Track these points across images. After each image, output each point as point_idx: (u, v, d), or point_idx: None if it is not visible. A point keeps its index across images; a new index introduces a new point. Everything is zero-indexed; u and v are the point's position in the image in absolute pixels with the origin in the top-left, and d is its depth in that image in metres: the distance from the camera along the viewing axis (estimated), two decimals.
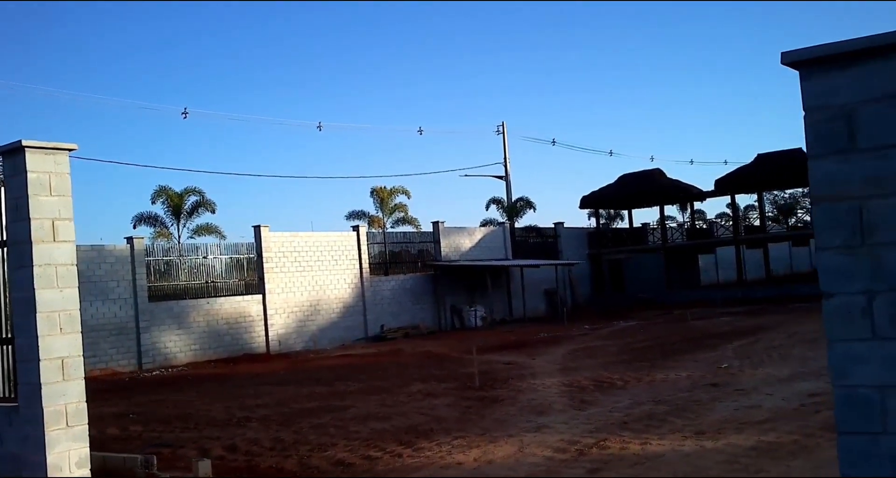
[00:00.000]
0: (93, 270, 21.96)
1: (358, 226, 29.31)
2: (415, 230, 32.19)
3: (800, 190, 73.19)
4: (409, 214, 32.28)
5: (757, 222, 46.57)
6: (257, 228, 25.84)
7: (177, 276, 24.06)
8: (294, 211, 76.13)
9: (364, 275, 28.93)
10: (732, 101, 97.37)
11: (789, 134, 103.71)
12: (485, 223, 37.82)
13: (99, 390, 18.12)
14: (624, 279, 40.95)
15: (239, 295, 25.23)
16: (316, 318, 27.17)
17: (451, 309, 31.97)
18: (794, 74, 2.79)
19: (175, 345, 23.51)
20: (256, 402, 13.89)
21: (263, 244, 25.80)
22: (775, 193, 48.76)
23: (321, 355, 24.14)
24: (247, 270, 25.69)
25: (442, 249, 32.24)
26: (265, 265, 25.75)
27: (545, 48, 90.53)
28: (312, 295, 27.13)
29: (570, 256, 38.12)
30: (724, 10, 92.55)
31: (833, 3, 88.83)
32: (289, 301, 26.36)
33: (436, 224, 32.27)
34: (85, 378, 18.41)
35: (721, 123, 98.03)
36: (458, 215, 66.63)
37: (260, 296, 25.58)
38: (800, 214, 51.02)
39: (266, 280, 25.70)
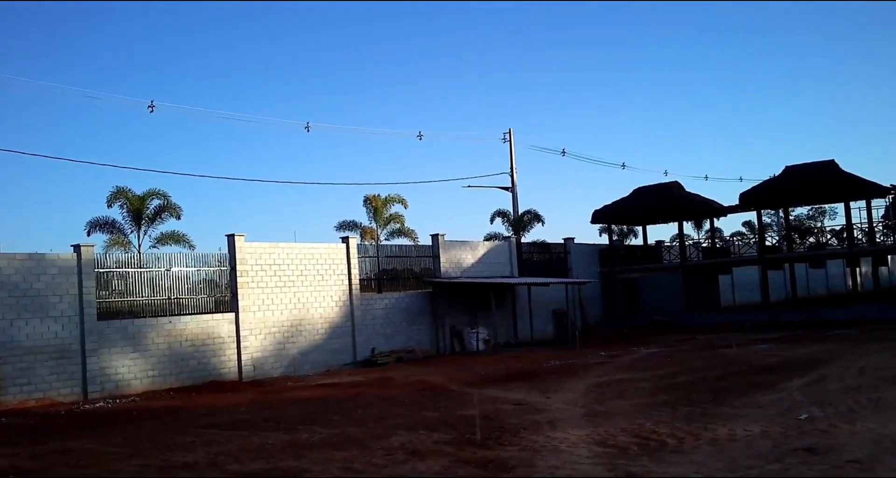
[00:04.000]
0: (30, 282, 18.38)
1: (347, 237, 25.72)
2: (412, 243, 28.58)
3: (807, 208, 69.63)
4: (406, 225, 28.67)
5: (771, 242, 42.77)
6: (231, 238, 22.28)
7: (134, 290, 20.44)
8: (275, 220, 71.06)
9: (353, 292, 25.33)
10: (749, 115, 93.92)
11: (812, 149, 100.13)
12: (489, 237, 34.20)
13: (12, 427, 14.51)
14: (639, 300, 37.30)
15: (207, 313, 21.62)
16: (297, 339, 23.54)
17: (451, 331, 28.35)
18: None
19: (129, 371, 19.86)
20: (185, 458, 10.24)
21: (238, 256, 22.22)
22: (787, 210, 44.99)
23: (299, 384, 20.53)
24: (218, 284, 22.14)
25: (441, 265, 28.65)
26: (239, 279, 22.16)
27: (556, 54, 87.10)
28: (294, 314, 23.53)
29: (580, 274, 34.49)
30: (739, 23, 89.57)
31: (849, 4, 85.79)
32: (266, 320, 22.75)
33: (435, 237, 28.70)
34: (14, 410, 14.65)
35: (737, 138, 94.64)
36: (460, 229, 62.71)
37: (232, 314, 21.97)
38: (825, 238, 47.19)
39: (240, 296, 22.11)
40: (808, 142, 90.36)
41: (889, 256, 49.09)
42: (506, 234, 34.66)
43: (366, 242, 27.25)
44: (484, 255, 30.72)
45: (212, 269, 22.07)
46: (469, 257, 29.94)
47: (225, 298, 22.05)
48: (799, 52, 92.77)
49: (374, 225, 28.06)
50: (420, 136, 35.77)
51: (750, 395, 13.07)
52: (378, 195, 28.21)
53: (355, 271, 25.48)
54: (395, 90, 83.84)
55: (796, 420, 10.53)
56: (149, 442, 11.88)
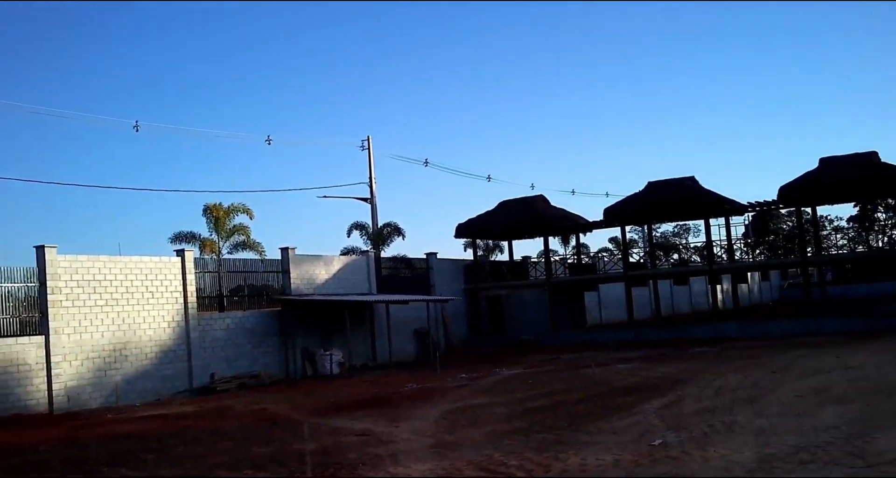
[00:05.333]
0: None
1: (183, 250, 24.27)
2: (258, 258, 27.38)
3: (673, 225, 72.57)
4: (252, 238, 27.42)
5: (637, 258, 44.20)
6: (40, 249, 20.44)
7: None
8: (96, 231, 66.55)
9: (190, 311, 23.88)
10: (616, 129, 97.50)
11: (677, 165, 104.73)
12: (346, 252, 33.45)
13: None
14: (504, 318, 37.44)
15: (10, 336, 19.67)
16: (122, 365, 21.87)
17: (303, 353, 27.30)
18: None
19: None
20: None
21: (49, 270, 20.39)
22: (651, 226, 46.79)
23: (121, 416, 18.94)
24: (23, 303, 20.22)
25: (292, 281, 27.59)
26: (50, 297, 20.32)
27: (420, 59, 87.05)
28: (118, 336, 21.85)
29: (443, 291, 34.25)
30: (604, 36, 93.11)
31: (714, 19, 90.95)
32: (84, 344, 20.98)
33: (285, 251, 27.63)
34: None
35: (604, 153, 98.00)
36: (315, 242, 60.94)
37: (41, 337, 20.09)
38: (688, 255, 49.40)
39: (51, 317, 20.26)
40: (674, 157, 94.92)
41: (749, 274, 52.00)
42: (364, 248, 34.01)
43: (205, 256, 25.84)
44: (339, 270, 29.89)
45: (16, 285, 20.11)
46: (323, 273, 29.03)
47: (32, 318, 20.17)
48: (661, 67, 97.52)
49: (215, 237, 26.66)
50: (269, 140, 34.63)
51: (606, 419, 12.92)
52: (220, 204, 26.87)
53: (192, 288, 24.06)
54: (240, 89, 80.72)
55: (650, 446, 10.36)
56: None
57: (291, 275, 27.56)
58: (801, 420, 11.75)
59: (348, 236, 34.84)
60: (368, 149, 35.44)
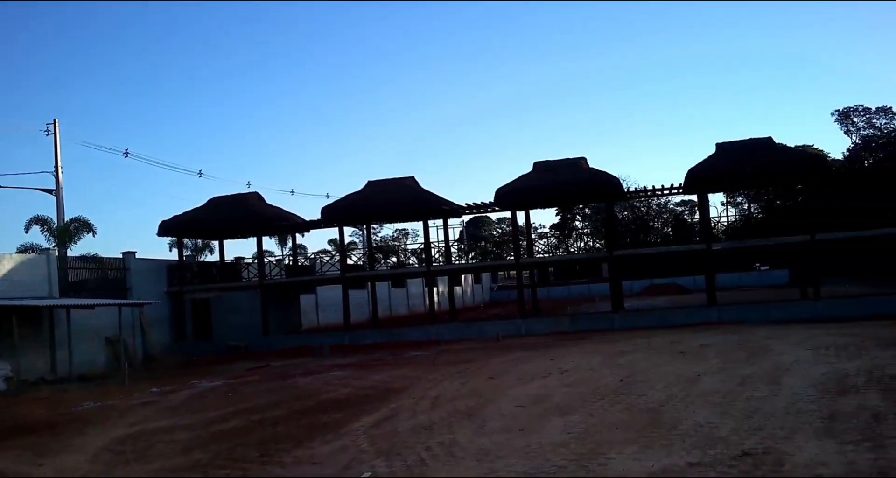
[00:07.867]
0: None
1: None
2: None
3: (393, 230, 73.30)
4: None
5: (356, 260, 43.51)
6: None
7: None
8: None
9: None
10: (337, 128, 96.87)
11: (400, 167, 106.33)
12: (23, 250, 28.99)
13: None
14: (212, 323, 34.74)
15: None
16: None
17: None
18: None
19: None
20: None
21: None
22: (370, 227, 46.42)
23: None
24: None
25: None
26: None
27: (126, 46, 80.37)
28: None
29: (143, 294, 30.90)
30: (331, 33, 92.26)
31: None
32: None
33: None
34: None
35: (325, 153, 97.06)
36: None
37: None
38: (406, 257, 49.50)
39: None
40: (397, 160, 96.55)
41: (462, 276, 53.49)
42: (47, 246, 29.74)
43: None
44: (12, 270, 25.68)
45: None
46: None
47: None
48: (385, 67, 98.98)
49: None
50: None
51: (308, 444, 11.28)
52: None
53: None
54: None
55: None
56: None
57: None
58: (527, 437, 10.62)
59: (27, 232, 30.37)
60: (55, 134, 31.05)
